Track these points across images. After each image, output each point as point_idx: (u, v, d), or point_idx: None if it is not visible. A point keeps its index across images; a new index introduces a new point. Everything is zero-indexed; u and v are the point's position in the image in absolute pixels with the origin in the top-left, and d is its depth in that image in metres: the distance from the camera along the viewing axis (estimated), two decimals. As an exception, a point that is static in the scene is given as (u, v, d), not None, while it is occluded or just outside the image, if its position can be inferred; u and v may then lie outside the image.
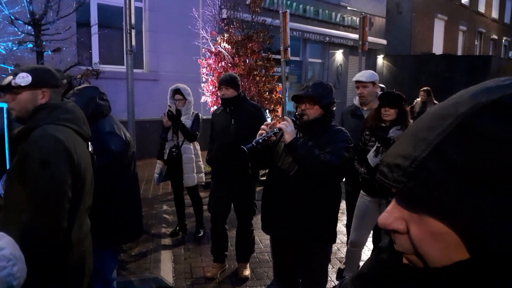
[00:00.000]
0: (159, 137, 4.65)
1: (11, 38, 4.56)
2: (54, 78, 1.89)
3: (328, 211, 2.53)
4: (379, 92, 3.76)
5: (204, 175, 4.81)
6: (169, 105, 4.41)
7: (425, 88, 8.02)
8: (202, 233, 4.79)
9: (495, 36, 26.29)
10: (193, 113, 4.57)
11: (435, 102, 7.78)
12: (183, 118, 4.42)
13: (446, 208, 0.50)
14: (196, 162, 4.58)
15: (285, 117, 2.54)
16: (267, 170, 2.82)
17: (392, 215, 0.58)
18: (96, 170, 2.31)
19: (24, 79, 1.77)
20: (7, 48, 4.48)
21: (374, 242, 3.84)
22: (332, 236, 2.59)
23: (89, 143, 2.04)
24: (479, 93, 0.53)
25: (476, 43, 24.37)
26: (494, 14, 25.86)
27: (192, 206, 4.89)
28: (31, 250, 1.67)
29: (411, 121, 3.19)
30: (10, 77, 1.80)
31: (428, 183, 0.51)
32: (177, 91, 4.53)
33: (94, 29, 7.90)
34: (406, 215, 0.56)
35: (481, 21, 24.27)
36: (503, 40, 27.62)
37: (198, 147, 4.70)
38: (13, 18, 4.47)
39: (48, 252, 1.73)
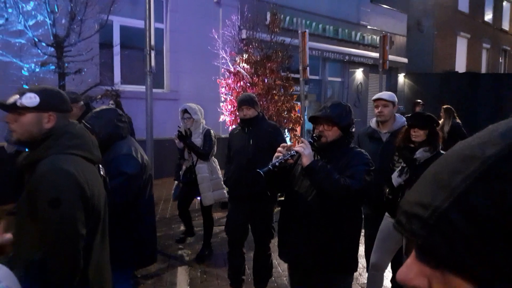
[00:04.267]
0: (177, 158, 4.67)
1: (34, 60, 4.67)
2: (64, 101, 1.77)
3: (350, 238, 2.40)
4: (398, 115, 3.66)
5: (225, 191, 4.65)
6: (178, 126, 4.42)
7: (445, 106, 7.70)
8: (207, 252, 4.73)
9: (520, 53, 25.72)
10: (203, 129, 4.52)
11: (458, 121, 7.46)
12: (193, 137, 4.41)
13: (472, 268, 0.42)
14: (212, 179, 4.52)
15: (302, 139, 2.44)
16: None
17: (411, 270, 0.50)
18: (110, 192, 2.27)
19: (31, 100, 1.63)
20: (30, 69, 4.59)
21: (392, 267, 3.67)
22: (354, 265, 2.46)
23: (100, 166, 1.95)
24: (510, 131, 0.45)
25: (500, 60, 23.90)
26: (519, 32, 25.37)
27: (203, 225, 4.84)
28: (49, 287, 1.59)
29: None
30: (17, 96, 1.65)
31: (451, 239, 0.43)
32: (185, 111, 4.52)
33: (116, 50, 8.07)
34: (427, 272, 0.48)
35: (505, 39, 23.84)
36: (529, 58, 26.98)
37: (215, 164, 4.64)
38: (36, 40, 4.59)
39: None
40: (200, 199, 4.57)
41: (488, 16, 22.04)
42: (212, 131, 4.57)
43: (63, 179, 1.57)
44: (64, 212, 1.55)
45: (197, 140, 4.44)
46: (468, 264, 0.42)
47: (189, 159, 4.51)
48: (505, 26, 23.80)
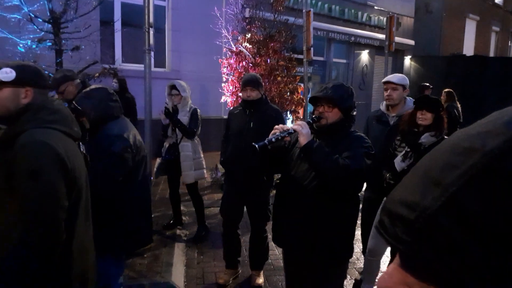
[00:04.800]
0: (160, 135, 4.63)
1: (31, 36, 4.57)
2: (41, 77, 1.75)
3: (346, 223, 2.34)
4: (409, 98, 3.55)
5: (205, 171, 4.79)
6: (166, 102, 4.37)
7: (447, 89, 7.53)
8: (204, 232, 4.71)
9: (530, 37, 25.21)
10: (190, 108, 4.48)
11: (456, 105, 7.30)
12: (180, 115, 4.37)
13: (463, 285, 0.35)
14: (195, 159, 4.53)
15: (298, 122, 2.35)
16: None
17: (392, 279, 0.42)
18: (99, 174, 2.22)
19: (7, 74, 1.62)
20: (26, 46, 4.49)
21: (392, 252, 3.63)
22: (349, 252, 2.40)
23: (80, 143, 1.92)
24: None
25: (510, 44, 23.44)
26: (530, 14, 24.80)
27: (193, 205, 4.85)
28: (29, 265, 1.57)
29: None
30: None
31: (440, 247, 0.36)
32: (173, 86, 4.47)
33: (117, 27, 7.92)
34: (410, 281, 0.41)
35: (515, 22, 23.32)
36: (539, 41, 26.46)
37: (198, 143, 4.65)
38: (32, 16, 4.48)
39: (49, 266, 1.62)
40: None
41: (499, -2, 21.55)
42: (198, 111, 4.55)
43: (42, 151, 1.56)
44: (44, 183, 1.54)
45: (184, 118, 4.42)
46: (458, 279, 0.35)
47: (172, 136, 4.49)
48: (516, 8, 23.25)
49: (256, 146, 2.16)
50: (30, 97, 1.69)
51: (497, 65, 17.18)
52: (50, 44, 4.56)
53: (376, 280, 3.33)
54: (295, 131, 2.24)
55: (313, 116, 2.37)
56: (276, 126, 2.29)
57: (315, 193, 2.26)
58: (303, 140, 2.20)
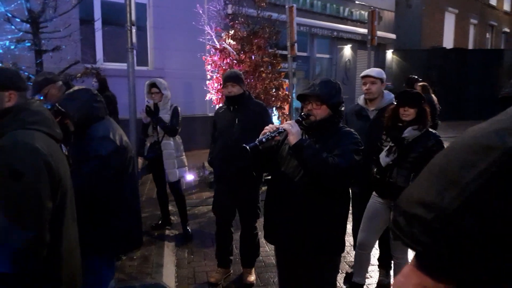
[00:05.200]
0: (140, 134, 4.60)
1: (9, 37, 4.44)
2: (22, 80, 1.74)
3: (337, 219, 2.35)
4: (386, 92, 3.60)
5: (187, 169, 4.83)
6: (147, 101, 4.35)
7: (421, 83, 7.51)
8: (190, 232, 4.72)
9: (507, 29, 25.76)
10: (171, 106, 4.48)
11: (433, 98, 7.22)
12: (161, 113, 4.36)
13: (485, 286, 0.34)
14: (177, 157, 4.53)
15: (288, 121, 2.36)
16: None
17: (409, 281, 0.41)
18: (87, 176, 2.18)
19: None
20: (4, 46, 4.36)
21: (380, 246, 3.67)
22: (341, 246, 2.42)
23: (62, 145, 1.89)
24: None
25: (487, 36, 23.92)
26: (506, 7, 25.34)
27: (175, 202, 4.84)
28: (15, 267, 1.53)
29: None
30: None
31: (460, 248, 0.35)
32: (153, 85, 4.44)
33: (98, 26, 7.78)
34: (428, 283, 0.40)
35: (492, 14, 23.79)
36: (516, 33, 27.09)
37: (180, 141, 4.64)
38: (9, 15, 4.35)
39: (36, 268, 1.58)
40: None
41: (476, -9, 21.94)
42: (179, 108, 4.54)
43: (24, 151, 1.53)
44: (27, 184, 1.50)
45: (166, 116, 4.41)
46: (478, 279, 0.34)
47: (153, 135, 4.46)
48: (493, 1, 23.71)
49: (247, 147, 2.16)
50: (14, 100, 1.66)
51: (475, 58, 17.54)
52: (29, 44, 4.44)
53: (393, 278, 3.36)
54: (285, 130, 2.24)
55: (302, 114, 2.38)
56: (266, 127, 2.29)
57: (305, 190, 2.26)
58: (293, 139, 2.21)
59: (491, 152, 0.36)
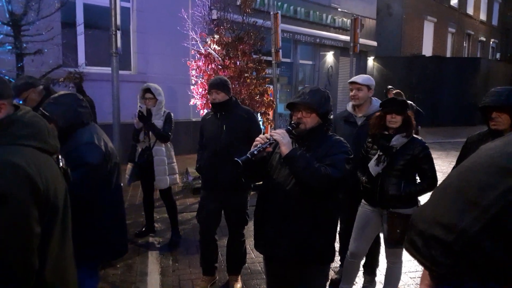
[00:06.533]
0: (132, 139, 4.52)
1: (-12, 40, 4.33)
2: (8, 87, 1.58)
3: (327, 228, 2.36)
4: (374, 99, 3.64)
5: (178, 176, 4.77)
6: (139, 106, 4.30)
7: (395, 91, 7.64)
8: (179, 239, 4.67)
9: (483, 38, 26.54)
10: (164, 112, 4.45)
11: (412, 104, 7.30)
12: (154, 119, 4.31)
13: None
14: (168, 164, 4.48)
15: (276, 130, 2.35)
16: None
17: None
18: (72, 184, 2.12)
19: None
20: (-16, 50, 4.25)
21: (368, 255, 3.69)
22: (332, 255, 2.42)
23: (59, 156, 1.77)
24: None
25: (464, 44, 24.59)
26: (482, 16, 26.12)
27: (166, 209, 4.77)
28: None
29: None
30: None
31: (483, 268, 0.35)
32: (147, 90, 4.38)
33: (80, 30, 7.66)
34: None
35: (469, 23, 24.49)
36: (491, 42, 27.92)
37: (171, 148, 4.60)
38: (-10, 18, 4.25)
39: None
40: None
41: (454, 1, 22.52)
42: (172, 115, 4.52)
43: (10, 172, 1.37)
44: (13, 209, 1.35)
45: (159, 122, 4.36)
46: None
47: (145, 141, 4.40)
48: (470, 11, 24.41)
49: (239, 161, 2.14)
50: (5, 111, 1.51)
51: (453, 65, 18.00)
52: (10, 47, 4.33)
53: (387, 279, 3.37)
54: (275, 140, 2.25)
55: (292, 123, 2.38)
56: (257, 138, 2.29)
57: (297, 197, 2.26)
58: (284, 149, 2.22)
59: (509, 175, 0.36)
